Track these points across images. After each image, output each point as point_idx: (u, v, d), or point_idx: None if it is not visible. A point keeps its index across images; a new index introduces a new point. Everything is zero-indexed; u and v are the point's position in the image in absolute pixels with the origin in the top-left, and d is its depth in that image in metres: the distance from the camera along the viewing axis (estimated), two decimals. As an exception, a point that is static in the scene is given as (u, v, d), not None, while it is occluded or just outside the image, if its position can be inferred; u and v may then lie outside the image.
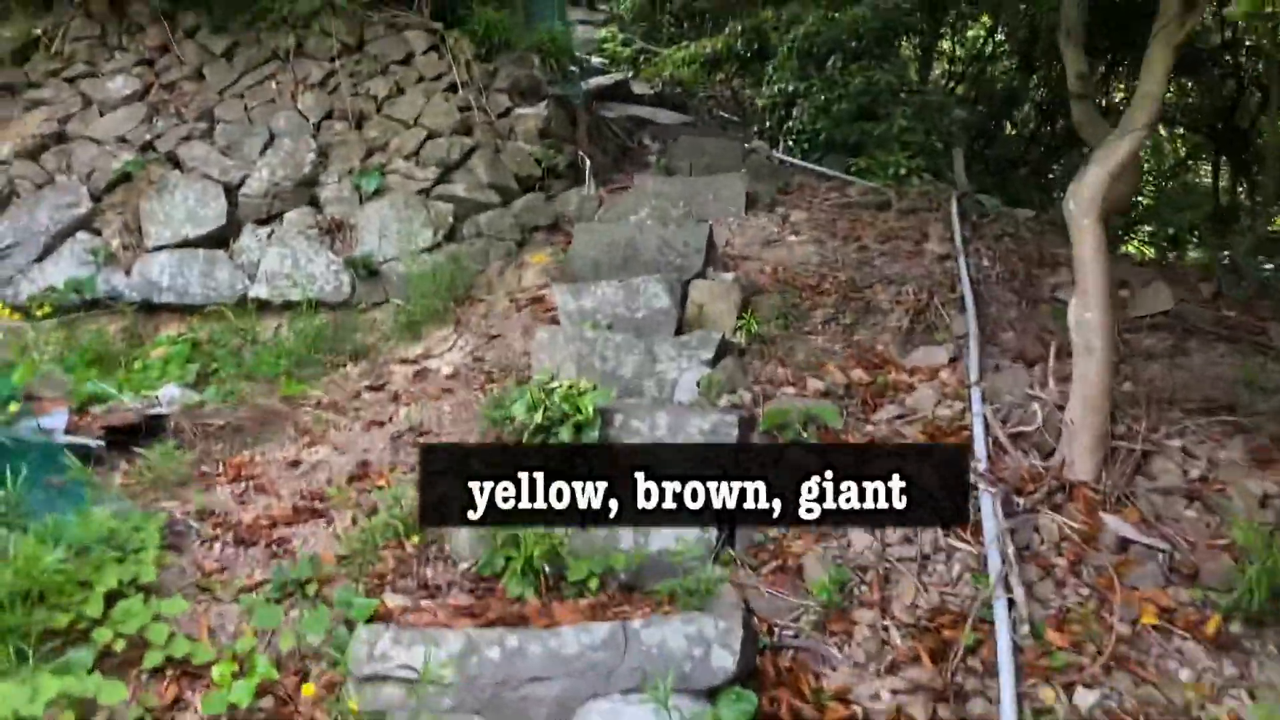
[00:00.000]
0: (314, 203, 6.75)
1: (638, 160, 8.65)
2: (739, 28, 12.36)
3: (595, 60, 14.72)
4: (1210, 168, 16.93)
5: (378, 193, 6.67)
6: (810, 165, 10.15)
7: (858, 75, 10.48)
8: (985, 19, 14.51)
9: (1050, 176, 14.12)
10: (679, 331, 5.36)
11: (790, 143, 10.76)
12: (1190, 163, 18.08)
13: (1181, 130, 16.79)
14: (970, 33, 15.17)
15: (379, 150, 6.93)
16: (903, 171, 9.82)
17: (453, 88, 7.28)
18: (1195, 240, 11.09)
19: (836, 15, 10.97)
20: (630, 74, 14.13)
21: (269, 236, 6.54)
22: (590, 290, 5.45)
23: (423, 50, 7.32)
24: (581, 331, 5.00)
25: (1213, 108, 14.57)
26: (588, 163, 7.55)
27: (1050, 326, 5.39)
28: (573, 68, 8.00)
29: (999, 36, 14.89)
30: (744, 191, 7.23)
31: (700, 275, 5.89)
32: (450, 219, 6.67)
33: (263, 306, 6.40)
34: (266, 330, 6.32)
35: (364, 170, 6.75)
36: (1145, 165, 18.03)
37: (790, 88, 10.97)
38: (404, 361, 5.64)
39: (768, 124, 11.56)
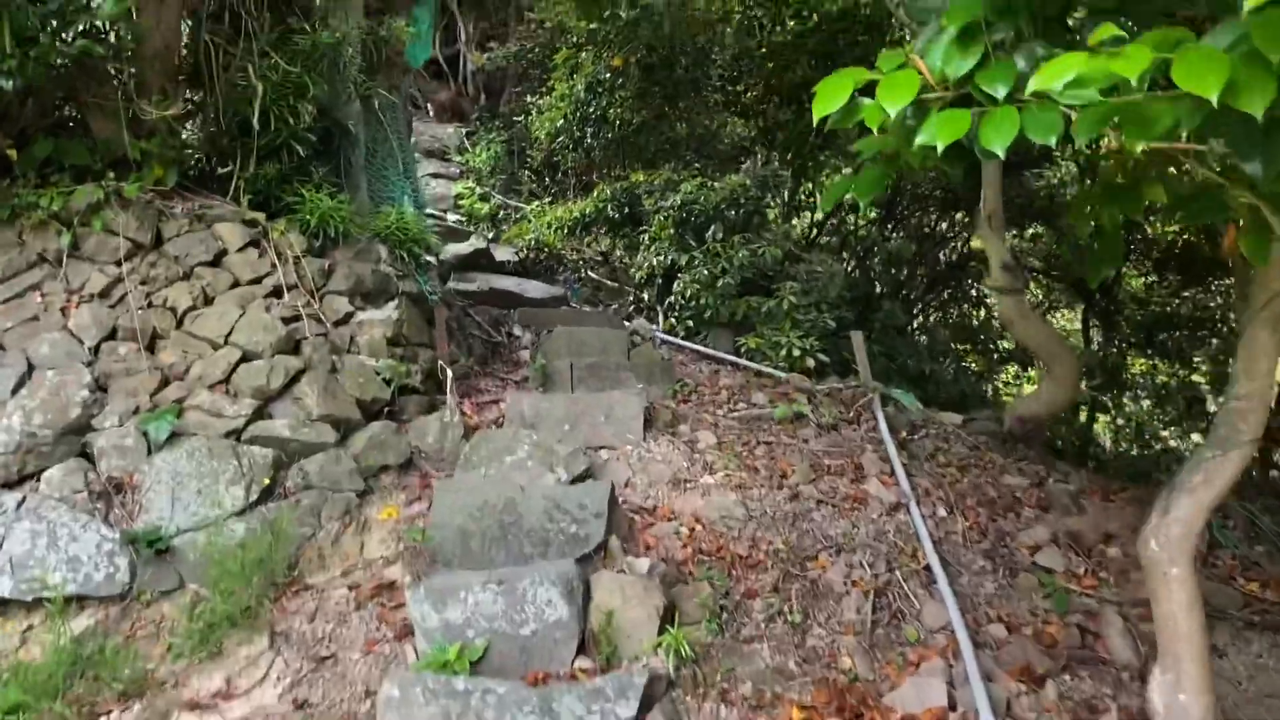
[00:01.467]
0: (85, 455, 5.11)
1: (508, 359, 7.36)
2: (608, 191, 11.46)
3: (451, 218, 13.55)
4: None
5: (173, 439, 5.08)
6: (699, 347, 9.15)
7: (740, 249, 9.64)
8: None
9: (938, 342, 13.66)
10: (581, 648, 3.99)
11: (673, 319, 9.75)
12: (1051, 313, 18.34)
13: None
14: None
15: (177, 379, 5.37)
16: (796, 353, 8.96)
17: (276, 292, 5.85)
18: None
19: (714, 184, 10.18)
20: (490, 236, 12.99)
21: (18, 506, 4.84)
22: (458, 596, 4.03)
23: (238, 247, 5.89)
24: (450, 683, 3.55)
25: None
26: (449, 374, 6.21)
27: (1046, 615, 4.31)
28: (428, 256, 6.69)
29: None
30: (641, 410, 6.02)
31: (602, 547, 4.58)
32: (269, 469, 5.13)
33: (3, 606, 4.65)
34: (7, 643, 4.56)
35: (155, 409, 5.18)
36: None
37: (669, 259, 10.03)
38: (194, 708, 4.00)
39: (644, 295, 10.57)
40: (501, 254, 11.15)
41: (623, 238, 11.99)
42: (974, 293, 16.99)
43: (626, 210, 11.46)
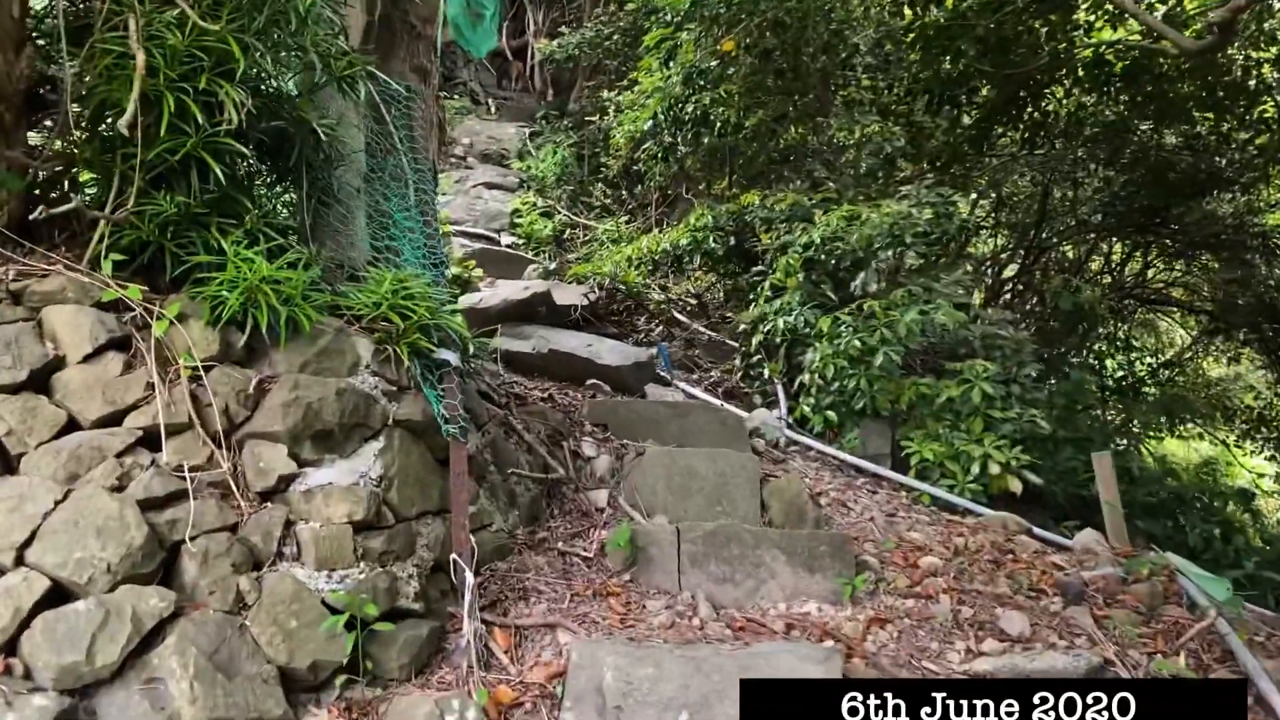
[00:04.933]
0: None
1: (573, 508, 4.54)
2: (708, 216, 8.60)
3: (504, 240, 10.81)
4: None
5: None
6: (848, 457, 6.30)
7: (907, 308, 6.73)
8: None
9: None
10: None
11: (806, 406, 6.85)
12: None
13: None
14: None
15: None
16: (993, 468, 6.10)
17: (149, 440, 3.12)
18: None
19: (863, 212, 7.25)
20: (553, 265, 10.21)
21: None
22: None
23: (86, 353, 3.18)
24: None
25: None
26: (468, 578, 3.44)
27: None
28: (447, 354, 3.89)
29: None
30: (821, 668, 3.19)
31: None
32: None
33: None
34: None
35: None
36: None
37: (799, 319, 7.13)
38: None
39: (757, 355, 7.68)
40: (566, 295, 8.39)
41: (727, 276, 9.14)
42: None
43: (733, 241, 8.62)
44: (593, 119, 13.11)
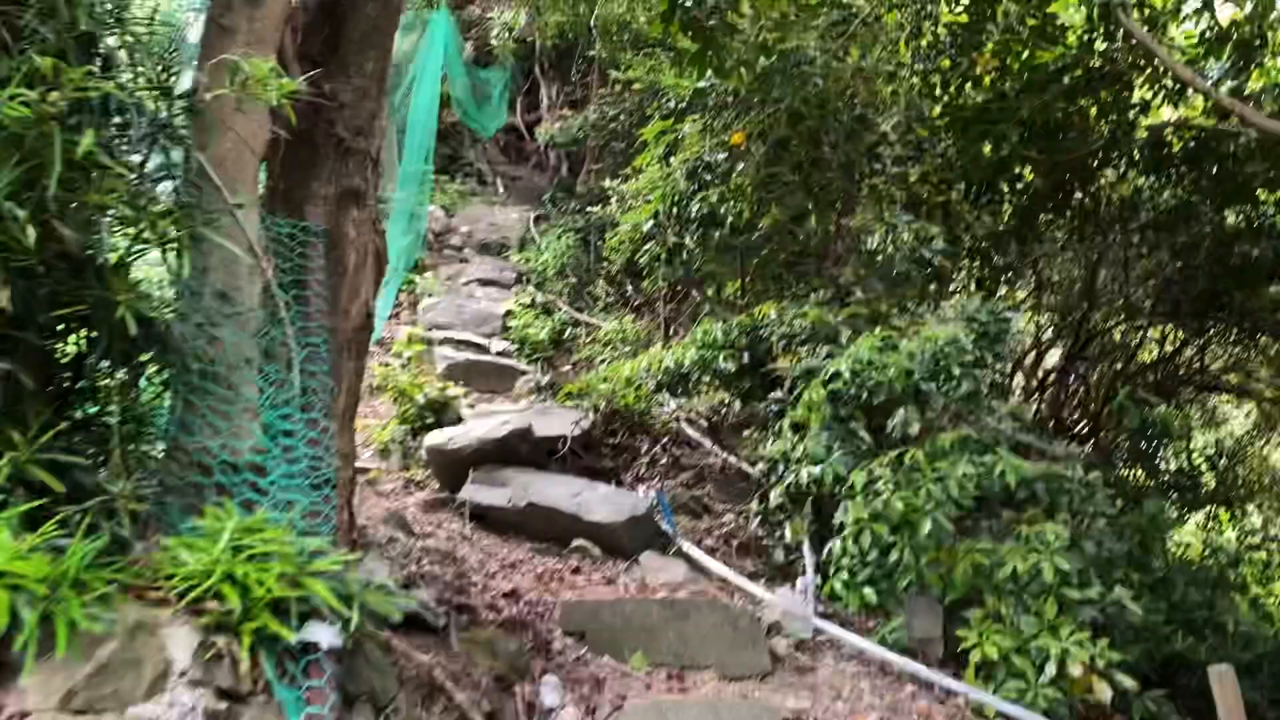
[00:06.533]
0: None
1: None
2: (717, 331, 7.45)
3: (495, 347, 9.72)
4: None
5: None
6: (890, 655, 5.06)
7: (958, 459, 5.54)
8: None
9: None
10: None
11: (839, 581, 5.58)
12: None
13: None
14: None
15: None
16: (1074, 670, 4.89)
17: None
18: None
19: (906, 341, 6.07)
20: (546, 381, 9.06)
21: None
22: None
23: None
24: None
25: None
26: None
27: None
28: (312, 629, 2.67)
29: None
30: None
31: None
32: None
33: None
34: None
35: None
36: None
37: (826, 472, 5.91)
38: None
39: (776, 505, 6.43)
40: (553, 425, 7.20)
41: (741, 398, 7.95)
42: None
43: (747, 359, 7.44)
44: (596, 208, 12.08)
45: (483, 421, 6.90)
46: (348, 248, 4.57)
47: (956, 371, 5.93)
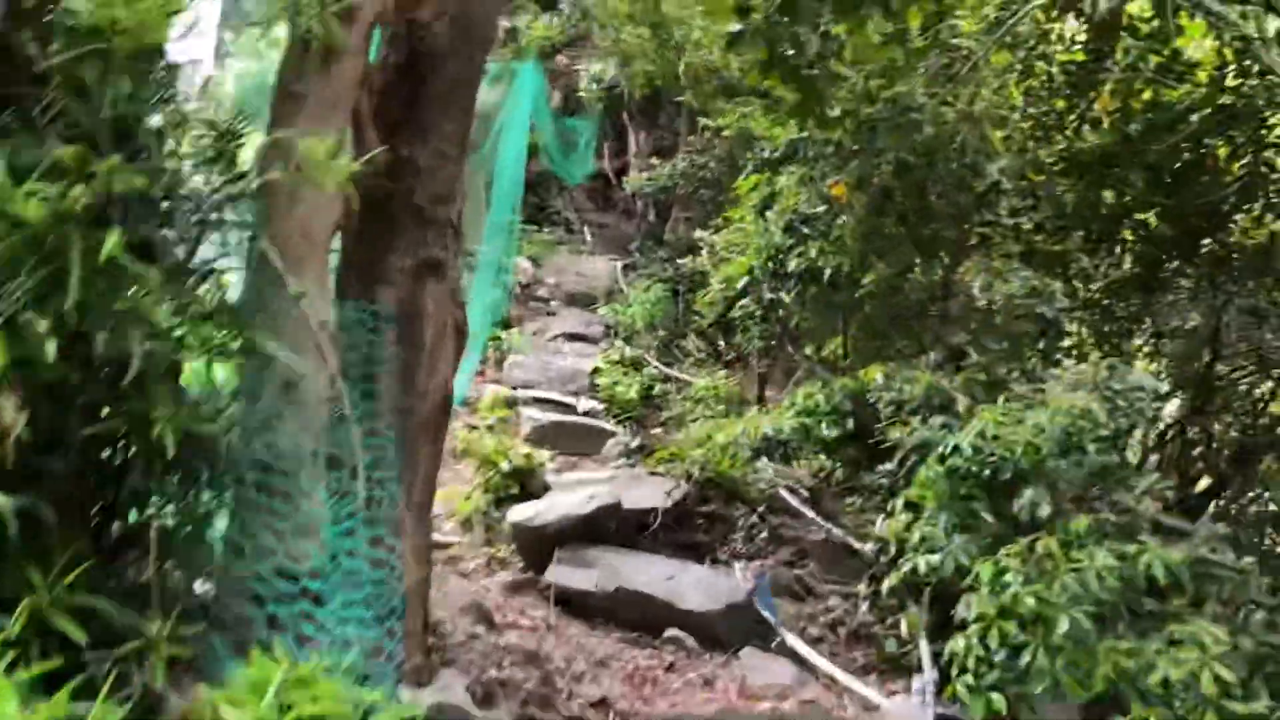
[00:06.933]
0: None
1: None
2: (818, 396, 6.95)
3: (581, 407, 9.37)
4: None
5: None
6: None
7: (1096, 548, 4.94)
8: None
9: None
10: None
11: (962, 685, 4.99)
12: None
13: None
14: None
15: None
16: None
17: None
18: None
19: (1032, 414, 5.49)
20: (635, 444, 8.66)
21: None
22: None
23: None
24: None
25: None
26: None
27: None
28: None
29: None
30: None
31: None
32: None
33: None
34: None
35: None
36: None
37: (947, 561, 5.34)
38: None
39: (888, 589, 5.85)
40: (643, 495, 6.79)
41: (845, 465, 7.42)
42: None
43: (851, 425, 6.92)
44: (685, 259, 11.73)
45: (568, 495, 6.52)
46: (426, 323, 4.28)
47: (1091, 448, 5.32)
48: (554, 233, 16.74)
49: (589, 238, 17.45)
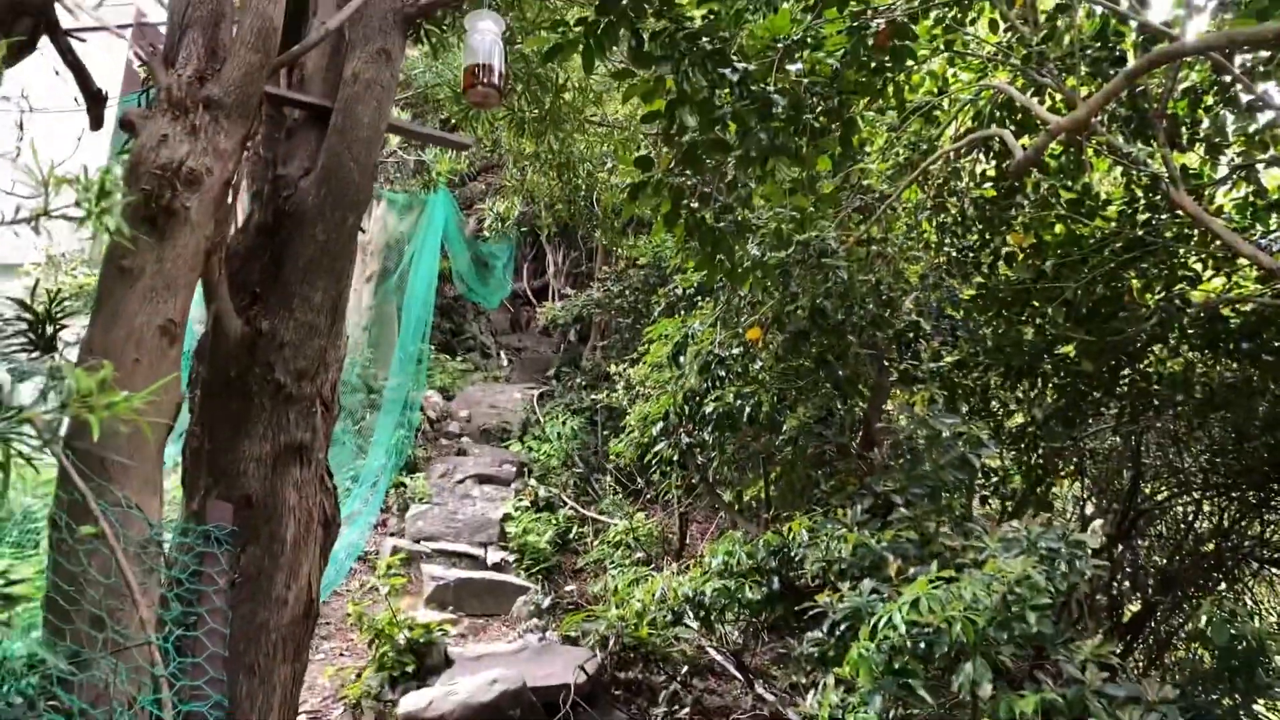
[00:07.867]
0: None
1: None
2: (740, 553, 6.48)
3: (490, 559, 8.73)
4: None
5: None
6: None
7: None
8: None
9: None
10: None
11: None
12: None
13: None
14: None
15: None
16: None
17: None
18: None
19: (967, 580, 5.10)
20: (547, 603, 8.04)
21: None
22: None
23: None
24: None
25: None
26: None
27: None
28: None
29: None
30: None
31: None
32: None
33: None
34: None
35: None
36: None
37: (888, 751, 4.82)
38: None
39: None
40: (554, 669, 6.15)
41: (771, 628, 6.90)
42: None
43: (777, 584, 6.45)
44: (600, 394, 11.32)
45: (469, 678, 5.85)
46: (286, 518, 3.69)
47: (1031, 617, 4.93)
48: (469, 359, 16.23)
49: (505, 363, 17.00)
